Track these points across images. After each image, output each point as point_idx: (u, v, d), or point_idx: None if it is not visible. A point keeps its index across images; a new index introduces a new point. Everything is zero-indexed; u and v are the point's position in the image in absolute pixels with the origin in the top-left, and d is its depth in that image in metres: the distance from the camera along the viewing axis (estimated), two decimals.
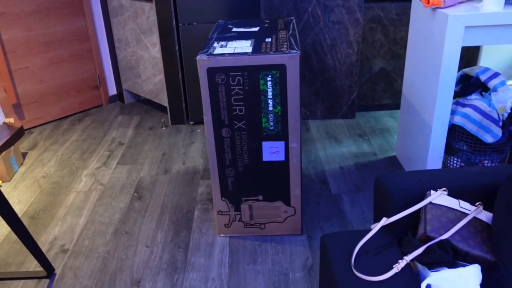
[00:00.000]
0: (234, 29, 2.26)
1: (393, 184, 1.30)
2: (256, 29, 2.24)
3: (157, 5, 3.09)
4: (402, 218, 1.26)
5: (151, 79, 3.54)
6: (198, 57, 1.84)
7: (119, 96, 3.97)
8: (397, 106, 3.60)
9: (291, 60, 1.82)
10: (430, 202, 1.22)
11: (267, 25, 2.32)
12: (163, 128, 3.44)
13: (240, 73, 1.85)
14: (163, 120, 3.52)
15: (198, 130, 3.39)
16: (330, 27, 3.18)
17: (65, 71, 3.59)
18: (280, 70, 1.84)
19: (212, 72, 1.85)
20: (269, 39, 2.02)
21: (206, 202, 2.51)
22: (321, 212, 2.38)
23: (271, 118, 1.93)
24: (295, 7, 3.12)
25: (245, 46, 1.93)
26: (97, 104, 3.89)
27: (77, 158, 3.05)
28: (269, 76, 1.85)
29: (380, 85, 3.47)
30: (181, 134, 3.34)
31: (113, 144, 3.24)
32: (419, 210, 1.26)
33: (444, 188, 1.25)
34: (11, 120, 2.89)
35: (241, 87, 1.88)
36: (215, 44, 1.99)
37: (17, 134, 1.74)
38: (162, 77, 3.41)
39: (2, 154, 2.74)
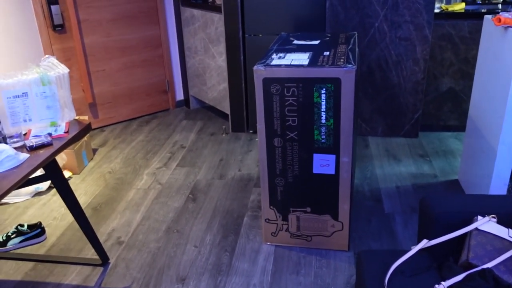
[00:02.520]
0: (295, 42, 2.30)
1: (438, 206, 1.26)
2: (317, 42, 2.27)
3: (226, 16, 3.21)
4: (444, 242, 1.21)
5: (215, 86, 3.67)
6: (255, 67, 1.89)
7: (186, 101, 4.15)
8: (464, 128, 3.43)
9: (346, 74, 1.82)
10: (476, 228, 1.17)
11: (328, 38, 2.34)
12: (224, 135, 3.54)
13: (294, 85, 1.88)
14: (224, 127, 3.63)
15: (256, 139, 3.45)
16: (397, 43, 3.12)
17: (137, 75, 3.82)
18: (334, 84, 1.84)
19: (267, 82, 1.90)
20: (328, 53, 2.03)
21: (256, 210, 2.55)
22: (371, 230, 2.33)
23: (323, 131, 1.94)
24: (361, 22, 3.10)
25: (302, 58, 1.96)
26: (164, 108, 4.09)
27: (141, 157, 3.23)
28: (324, 89, 1.86)
29: (447, 105, 3.34)
30: (240, 142, 3.42)
31: (175, 146, 3.38)
32: (463, 235, 1.21)
33: (493, 215, 1.19)
34: (85, 117, 3.12)
35: (295, 98, 1.90)
36: (274, 55, 2.04)
37: (85, 130, 1.89)
38: (226, 86, 3.52)
39: (75, 148, 2.97)
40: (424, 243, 1.21)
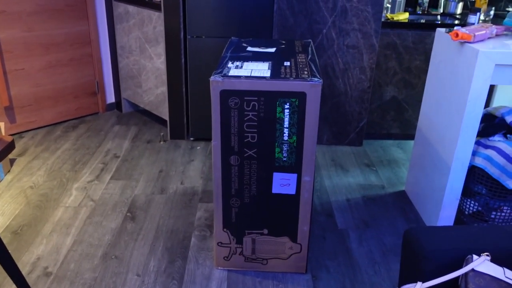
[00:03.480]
0: (249, 48, 2.12)
1: (428, 242, 1.15)
2: (273, 50, 2.11)
3: (166, 15, 2.95)
4: (438, 285, 1.11)
5: (152, 90, 3.38)
6: (212, 78, 1.69)
7: (117, 104, 3.81)
8: (406, 136, 3.48)
9: (312, 88, 1.68)
10: (473, 269, 1.07)
11: (284, 46, 2.19)
12: (162, 143, 3.28)
13: (256, 98, 1.70)
14: (162, 134, 3.36)
15: (198, 147, 3.23)
16: (344, 50, 3.06)
17: (63, 75, 3.43)
18: (299, 98, 1.69)
19: (225, 95, 1.71)
20: (288, 63, 1.88)
21: (204, 229, 2.34)
22: (326, 249, 2.22)
23: (285, 149, 1.79)
24: (309, 28, 2.99)
25: (262, 69, 1.79)
26: (93, 111, 3.72)
27: (68, 169, 2.87)
28: (287, 103, 1.71)
29: (390, 113, 3.35)
30: (180, 150, 3.18)
31: (108, 156, 3.07)
32: (456, 276, 1.12)
33: (487, 253, 1.11)
34: (1, 124, 2.72)
35: (255, 113, 1.73)
36: (230, 64, 1.85)
37: (8, 148, 1.57)
38: (164, 89, 3.26)
39: None
40: (419, 286, 1.09)
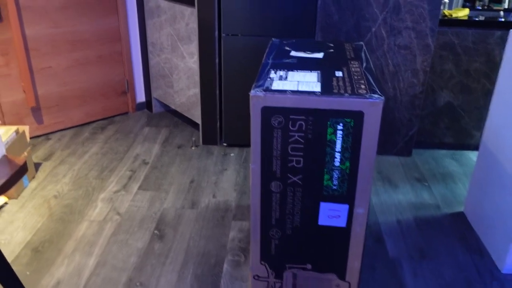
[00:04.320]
0: (293, 53, 1.86)
1: None
2: (320, 55, 1.83)
3: (200, 11, 2.71)
4: None
5: (184, 91, 3.17)
6: (252, 92, 1.44)
7: (147, 104, 3.62)
8: (461, 146, 3.14)
9: (372, 107, 1.40)
10: None
11: (332, 50, 1.91)
12: (193, 148, 3.06)
13: (303, 117, 1.45)
14: (193, 139, 3.15)
15: (231, 154, 3.00)
16: (395, 51, 2.74)
17: (91, 73, 3.25)
18: (355, 119, 1.43)
19: (268, 112, 1.45)
20: (340, 73, 1.61)
21: (238, 253, 2.11)
22: (376, 282, 1.96)
23: (335, 176, 1.52)
24: (356, 26, 2.69)
25: (311, 81, 1.52)
26: (123, 111, 3.55)
27: (95, 176, 2.70)
28: (341, 124, 1.44)
29: (443, 120, 3.02)
30: (213, 158, 2.96)
31: (136, 162, 2.88)
32: None
33: None
34: (26, 128, 2.56)
35: (302, 134, 1.47)
36: (272, 74, 1.59)
37: (19, 173, 1.38)
38: (197, 91, 3.04)
39: None
40: None
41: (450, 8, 2.93)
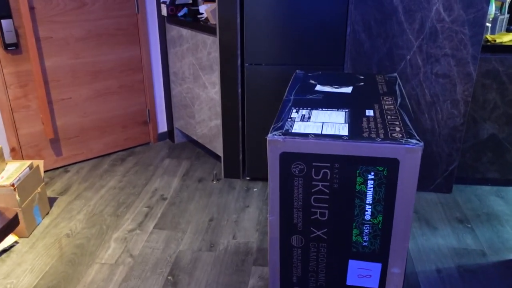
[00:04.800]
0: (319, 87, 1.68)
1: None
2: (349, 90, 1.65)
3: (221, 39, 2.58)
4: None
5: (206, 122, 3.03)
6: (269, 136, 1.27)
7: (169, 134, 3.50)
8: (507, 182, 2.85)
9: (408, 154, 1.20)
10: None
11: (362, 84, 1.72)
12: (214, 182, 2.90)
13: (328, 165, 1.26)
14: (215, 172, 2.99)
15: (254, 189, 2.82)
16: (432, 80, 2.52)
17: (112, 103, 3.17)
18: (389, 167, 1.22)
19: (287, 158, 1.27)
20: (371, 112, 1.42)
21: None
22: None
23: (366, 231, 1.32)
24: (389, 54, 2.50)
25: (337, 122, 1.34)
26: (144, 141, 3.44)
27: (110, 213, 2.57)
28: (372, 173, 1.24)
29: (487, 154, 2.75)
30: (235, 193, 2.78)
31: (154, 197, 2.73)
32: None
33: None
34: (40, 162, 2.47)
35: (327, 183, 1.28)
36: (294, 114, 1.41)
37: (9, 227, 1.24)
38: (218, 122, 2.89)
39: (23, 206, 2.31)
40: None
41: (493, 33, 2.70)
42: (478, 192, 2.80)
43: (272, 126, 1.33)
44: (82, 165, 3.14)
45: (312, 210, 1.32)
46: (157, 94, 3.35)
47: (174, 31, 3.06)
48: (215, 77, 2.78)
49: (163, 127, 3.48)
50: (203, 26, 2.74)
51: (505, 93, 2.60)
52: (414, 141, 1.20)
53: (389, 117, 1.38)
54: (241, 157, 2.88)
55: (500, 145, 2.72)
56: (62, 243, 2.31)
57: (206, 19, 2.83)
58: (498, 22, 2.71)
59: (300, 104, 1.51)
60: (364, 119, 1.36)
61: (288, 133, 1.27)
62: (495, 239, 2.34)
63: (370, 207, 1.28)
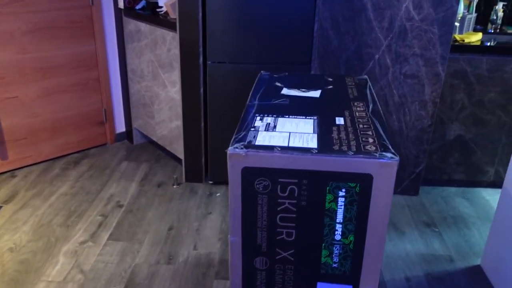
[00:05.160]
0: (285, 91, 1.55)
1: None
2: (317, 94, 1.53)
3: (182, 36, 2.42)
4: None
5: (166, 123, 2.86)
6: (230, 150, 1.13)
7: (128, 134, 3.31)
8: (472, 183, 2.83)
9: (383, 169, 1.09)
10: None
11: (331, 87, 1.61)
12: (175, 187, 2.74)
13: (295, 181, 1.13)
14: (175, 176, 2.82)
15: (217, 194, 2.68)
16: (401, 80, 2.45)
17: (64, 103, 2.94)
18: (362, 183, 1.11)
19: (250, 174, 1.14)
20: (341, 120, 1.30)
21: None
22: None
23: (336, 251, 1.20)
24: (357, 52, 2.40)
25: (305, 132, 1.21)
26: (100, 142, 3.23)
27: (60, 223, 2.37)
28: (343, 190, 1.13)
29: (453, 155, 2.71)
30: (196, 198, 2.63)
31: (109, 204, 2.55)
32: None
33: None
34: None
35: (294, 201, 1.16)
36: (258, 122, 1.28)
37: None
38: (179, 124, 2.73)
39: None
40: None
41: (460, 32, 2.66)
42: (444, 193, 2.76)
43: (233, 137, 1.19)
44: (30, 169, 2.91)
45: (278, 230, 1.20)
46: (114, 92, 3.14)
47: (131, 25, 2.87)
48: (175, 75, 2.62)
49: (121, 127, 3.28)
50: (162, 21, 2.57)
51: (472, 93, 2.56)
52: (389, 154, 1.09)
53: (361, 126, 1.27)
54: (204, 160, 2.73)
55: (467, 146, 2.69)
56: (4, 259, 2.10)
57: (166, 13, 2.65)
58: (466, 21, 2.67)
59: (265, 110, 1.38)
60: (334, 128, 1.24)
61: (251, 146, 1.13)
62: (462, 244, 2.30)
63: (340, 226, 1.17)
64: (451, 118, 2.62)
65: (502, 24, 2.93)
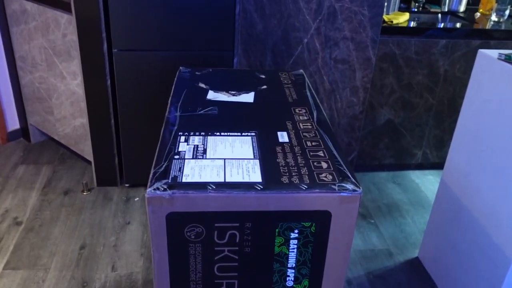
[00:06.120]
0: (211, 95, 1.29)
1: None
2: (250, 97, 1.28)
3: (79, 18, 2.02)
4: None
5: (68, 120, 2.45)
6: (149, 192, 0.86)
7: (23, 132, 2.83)
8: (402, 167, 2.80)
9: (343, 205, 0.89)
10: None
11: (265, 87, 1.37)
12: (85, 193, 2.38)
13: (237, 225, 0.90)
14: (84, 182, 2.45)
15: (136, 199, 2.37)
16: (331, 66, 2.28)
17: None
18: (318, 222, 0.91)
19: (178, 220, 0.88)
20: (285, 135, 1.07)
21: None
22: None
23: None
24: (285, 37, 2.18)
25: (244, 158, 0.97)
26: None
27: None
28: (296, 231, 0.91)
29: (383, 140, 2.64)
30: (111, 206, 2.30)
31: (4, 222, 2.14)
32: None
33: None
34: None
35: (236, 248, 0.92)
36: (182, 146, 1.01)
37: None
38: (85, 122, 2.34)
39: None
40: None
41: (387, 12, 2.54)
42: (375, 179, 2.70)
43: (152, 171, 0.92)
44: None
45: (217, 281, 0.96)
46: (1, 84, 2.64)
47: (15, 4, 2.38)
48: (75, 65, 2.21)
49: (13, 124, 2.79)
50: (53, 0, 2.13)
51: (401, 77, 2.47)
52: (350, 186, 0.89)
53: (308, 143, 1.05)
54: (117, 161, 2.39)
55: (396, 130, 2.62)
56: None
57: None
58: (392, 0, 2.55)
59: (190, 125, 1.11)
60: (279, 148, 1.02)
61: (177, 185, 0.87)
62: (399, 235, 2.24)
63: (293, 271, 0.96)
64: (381, 103, 2.52)
65: (425, 3, 2.86)
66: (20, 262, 1.91)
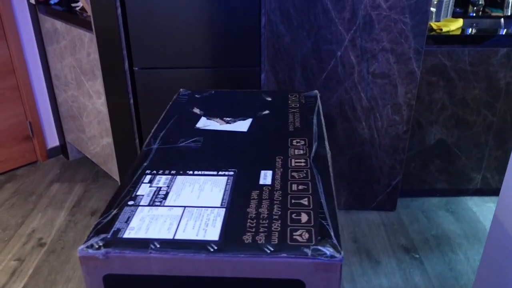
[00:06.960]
0: (202, 122, 1.14)
1: None
2: (245, 125, 1.12)
3: (100, 36, 1.97)
4: None
5: (97, 139, 2.42)
6: (80, 251, 0.72)
7: (62, 149, 2.86)
8: (456, 192, 2.47)
9: (319, 273, 0.69)
10: None
11: (267, 112, 1.20)
12: None
13: None
14: None
15: None
16: (369, 81, 2.05)
17: None
18: None
19: (116, 284, 0.73)
20: (269, 176, 0.89)
21: None
22: None
23: None
24: (315, 50, 1.99)
25: (208, 206, 0.80)
26: (29, 160, 2.78)
27: None
28: None
29: (434, 162, 2.34)
30: None
31: (29, 243, 2.13)
32: None
33: None
34: None
35: None
36: (143, 188, 0.87)
37: None
38: (110, 141, 2.29)
39: None
40: None
41: (437, 19, 2.26)
42: (425, 206, 2.40)
43: (97, 220, 0.78)
44: None
45: None
46: (39, 101, 2.68)
47: (48, 23, 2.39)
48: (99, 84, 2.17)
49: (53, 141, 2.83)
50: (78, 19, 2.11)
51: (453, 91, 2.17)
52: (328, 250, 0.69)
53: (294, 186, 0.86)
54: None
55: (449, 151, 2.31)
56: None
57: (83, 8, 2.19)
58: (444, 5, 2.26)
59: (164, 160, 0.96)
60: (255, 194, 0.84)
61: (115, 241, 0.72)
62: (447, 274, 1.94)
63: None
64: (430, 121, 2.24)
65: (485, 6, 2.53)
66: (36, 286, 1.87)
